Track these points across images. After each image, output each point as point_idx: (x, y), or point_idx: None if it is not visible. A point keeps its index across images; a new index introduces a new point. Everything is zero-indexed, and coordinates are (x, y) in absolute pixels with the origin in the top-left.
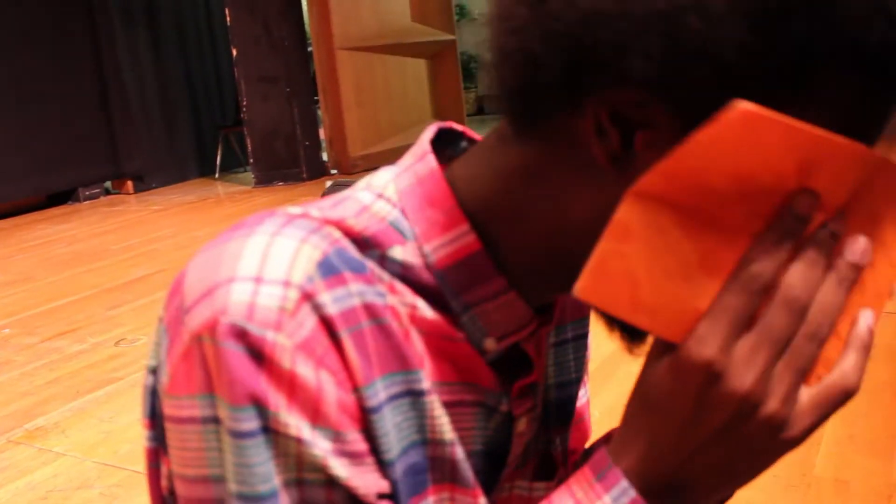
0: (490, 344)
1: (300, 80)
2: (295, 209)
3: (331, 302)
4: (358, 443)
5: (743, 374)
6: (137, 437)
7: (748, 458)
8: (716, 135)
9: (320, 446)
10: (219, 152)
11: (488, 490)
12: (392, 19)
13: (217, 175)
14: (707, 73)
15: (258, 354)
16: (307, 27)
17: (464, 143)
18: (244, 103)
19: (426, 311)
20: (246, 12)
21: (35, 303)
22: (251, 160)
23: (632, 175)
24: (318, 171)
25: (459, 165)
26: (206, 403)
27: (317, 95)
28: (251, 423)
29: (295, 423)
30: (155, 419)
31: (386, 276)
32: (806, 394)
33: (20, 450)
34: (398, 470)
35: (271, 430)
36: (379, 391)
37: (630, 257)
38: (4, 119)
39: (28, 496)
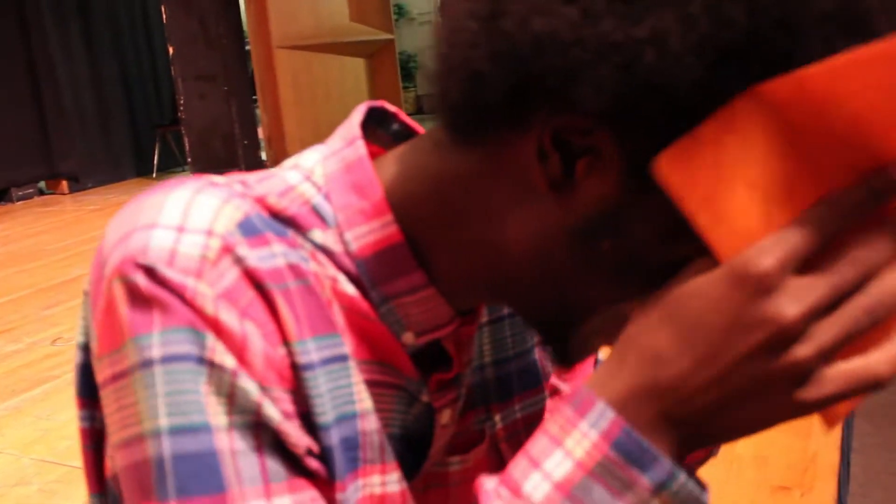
0: (408, 338)
1: (238, 78)
2: (219, 179)
3: (255, 258)
4: (285, 402)
5: (792, 301)
6: (76, 433)
7: (757, 402)
8: (871, 59)
9: (251, 388)
10: (156, 152)
11: (409, 478)
12: (330, 18)
13: (155, 175)
14: (658, 107)
15: (180, 297)
16: (245, 25)
17: (395, 126)
18: (181, 102)
19: (346, 286)
20: (182, 9)
21: None
22: (189, 159)
23: (569, 201)
24: (257, 170)
25: (391, 160)
26: (135, 346)
27: (255, 94)
28: (185, 346)
29: (229, 360)
30: (89, 397)
31: (308, 245)
32: (838, 364)
33: None
34: (334, 437)
35: (206, 361)
36: (311, 350)
37: (725, 150)
38: None
39: None
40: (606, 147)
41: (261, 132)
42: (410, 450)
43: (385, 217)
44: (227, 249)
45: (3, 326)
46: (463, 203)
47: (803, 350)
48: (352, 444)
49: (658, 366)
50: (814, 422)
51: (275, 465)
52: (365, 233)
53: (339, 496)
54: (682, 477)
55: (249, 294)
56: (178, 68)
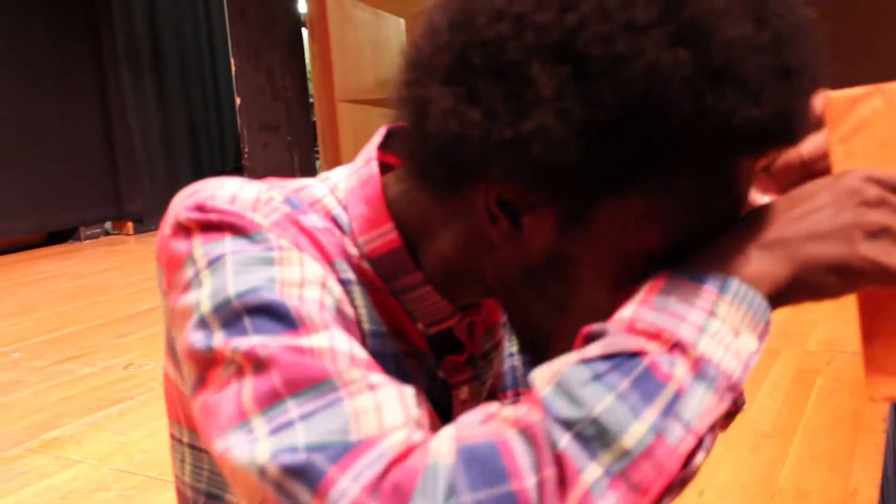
0: (420, 328)
1: (301, 129)
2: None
3: (302, 217)
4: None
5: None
6: (151, 447)
7: (834, 242)
8: None
9: (313, 274)
10: None
11: None
12: (391, 74)
13: None
14: (555, 183)
15: (241, 219)
16: (309, 79)
17: None
18: (245, 150)
19: (369, 267)
20: (251, 62)
21: (42, 331)
22: None
23: (521, 249)
24: None
25: (397, 177)
26: (205, 253)
27: (317, 145)
28: (253, 246)
29: (288, 254)
30: (174, 354)
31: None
32: None
33: (38, 457)
34: (368, 345)
35: (274, 249)
36: (347, 269)
37: None
38: (9, 157)
39: (48, 496)
40: (543, 201)
41: None
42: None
43: (387, 225)
44: (273, 202)
45: (77, 352)
46: (443, 228)
47: (876, 215)
48: (380, 359)
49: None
50: (855, 458)
51: (337, 319)
52: (374, 237)
53: None
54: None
55: (293, 230)
56: (244, 118)
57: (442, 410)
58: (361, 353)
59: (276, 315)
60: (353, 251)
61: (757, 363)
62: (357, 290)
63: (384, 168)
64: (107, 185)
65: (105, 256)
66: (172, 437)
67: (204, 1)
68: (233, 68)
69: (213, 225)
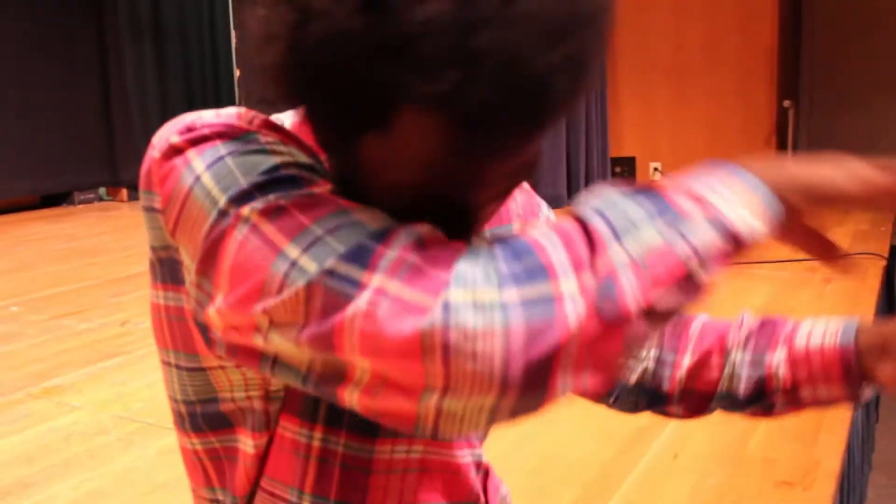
0: None
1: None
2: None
3: (276, 123)
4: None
5: None
6: (149, 397)
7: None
8: None
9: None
10: None
11: None
12: None
13: None
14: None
15: (229, 126)
16: None
17: None
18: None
19: None
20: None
21: (38, 287)
22: None
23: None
24: None
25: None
26: (202, 158)
27: None
28: (247, 142)
29: (279, 144)
30: (172, 282)
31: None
32: None
33: (40, 403)
34: None
35: (265, 143)
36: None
37: None
38: (7, 120)
39: (50, 437)
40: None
41: None
42: None
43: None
44: (253, 113)
45: (74, 309)
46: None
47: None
48: None
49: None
50: (820, 432)
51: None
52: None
53: None
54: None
55: (277, 131)
56: (242, 91)
57: None
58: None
59: (283, 182)
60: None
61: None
62: None
63: None
64: (103, 151)
65: (99, 221)
66: (164, 363)
67: None
68: (233, 41)
69: (204, 137)
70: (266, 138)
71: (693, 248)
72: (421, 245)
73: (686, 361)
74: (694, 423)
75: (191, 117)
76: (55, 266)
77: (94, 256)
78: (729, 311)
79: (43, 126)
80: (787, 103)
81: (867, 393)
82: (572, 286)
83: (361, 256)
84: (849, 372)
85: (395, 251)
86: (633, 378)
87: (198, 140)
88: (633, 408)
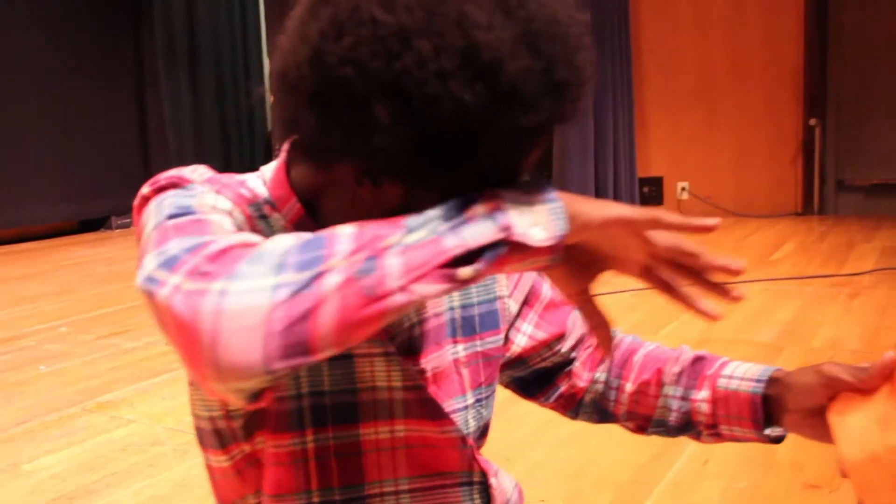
0: None
1: None
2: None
3: (223, 179)
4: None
5: None
6: None
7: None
8: None
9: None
10: None
11: None
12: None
13: None
14: (402, 173)
15: (181, 179)
16: None
17: None
18: (277, 148)
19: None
20: None
21: (84, 309)
22: None
23: (382, 199)
24: None
25: (294, 161)
26: (155, 202)
27: None
28: (187, 190)
29: (211, 197)
30: None
31: (269, 231)
32: None
33: (95, 416)
34: None
35: (199, 193)
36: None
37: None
38: (47, 146)
39: (108, 448)
40: (397, 183)
41: None
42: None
43: (293, 199)
44: (206, 171)
45: (120, 329)
46: (326, 193)
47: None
48: None
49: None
50: None
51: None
52: (287, 210)
53: None
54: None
55: (218, 185)
56: (275, 116)
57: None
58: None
59: (186, 212)
60: (282, 221)
61: (760, 357)
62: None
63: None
64: (139, 176)
65: (136, 245)
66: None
67: (240, 3)
68: (266, 68)
69: (162, 187)
70: (202, 188)
71: (462, 242)
72: (226, 251)
73: (629, 387)
74: None
75: (164, 174)
76: (98, 288)
77: (133, 280)
78: (758, 326)
79: (81, 152)
80: (812, 122)
81: (779, 433)
82: (339, 264)
83: (169, 264)
84: (756, 417)
85: (197, 259)
86: (588, 398)
87: (157, 189)
88: (592, 421)
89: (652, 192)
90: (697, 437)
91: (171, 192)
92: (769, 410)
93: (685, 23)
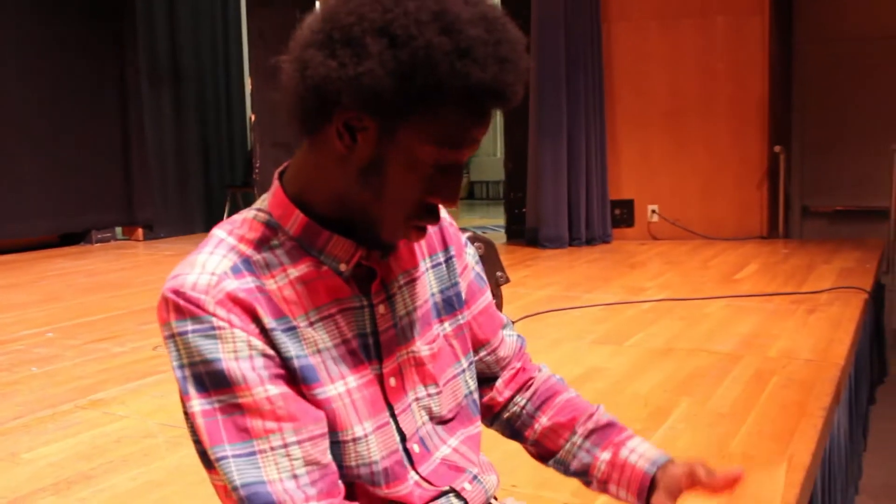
0: (343, 267)
1: None
2: (221, 233)
3: (237, 287)
4: (263, 346)
5: None
6: None
7: None
8: None
9: (241, 335)
10: (226, 209)
11: (385, 356)
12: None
13: None
14: (376, 107)
15: (197, 306)
16: None
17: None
18: (257, 165)
19: (302, 269)
20: (268, 83)
21: (70, 316)
22: None
23: (357, 155)
24: None
25: (287, 171)
26: (169, 328)
27: None
28: (203, 324)
29: (222, 323)
30: None
31: (275, 260)
32: None
33: (88, 412)
34: (295, 365)
35: (216, 328)
36: (272, 324)
37: None
38: (29, 159)
39: (103, 440)
40: (369, 123)
41: None
42: (375, 340)
43: (294, 213)
44: (220, 282)
45: (107, 335)
46: (315, 176)
47: None
48: (308, 370)
49: None
50: (795, 434)
51: (262, 367)
52: (291, 223)
53: (313, 392)
54: None
55: (230, 305)
56: (258, 135)
57: (374, 330)
58: (278, 400)
59: (219, 376)
60: (283, 239)
61: (719, 364)
62: (289, 289)
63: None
64: (120, 192)
65: (116, 259)
66: (184, 413)
67: (222, 25)
68: (248, 87)
69: (180, 309)
70: (219, 321)
71: None
72: None
73: (544, 421)
74: (682, 427)
75: (180, 279)
76: (82, 298)
77: (117, 290)
78: (719, 337)
79: (64, 168)
80: (777, 149)
81: None
82: None
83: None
84: (641, 490)
85: None
86: (505, 415)
87: (176, 308)
88: (503, 434)
89: (623, 214)
90: (587, 484)
91: (190, 326)
92: (649, 491)
93: (656, 51)
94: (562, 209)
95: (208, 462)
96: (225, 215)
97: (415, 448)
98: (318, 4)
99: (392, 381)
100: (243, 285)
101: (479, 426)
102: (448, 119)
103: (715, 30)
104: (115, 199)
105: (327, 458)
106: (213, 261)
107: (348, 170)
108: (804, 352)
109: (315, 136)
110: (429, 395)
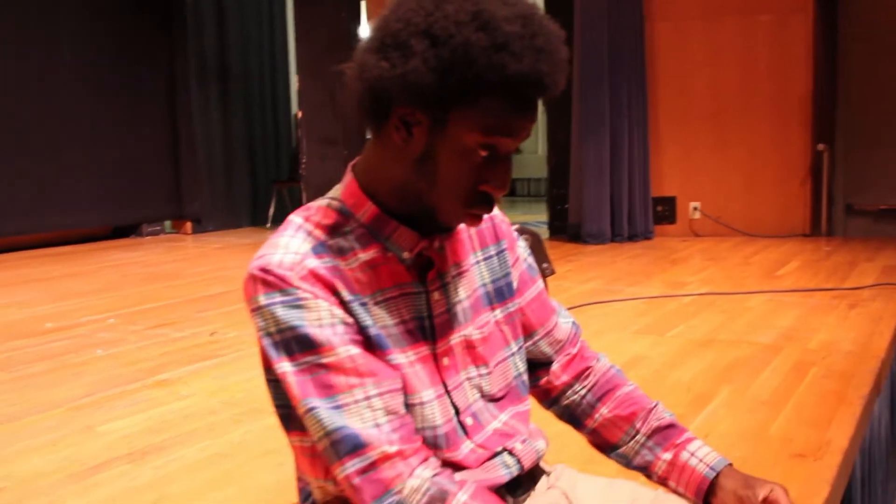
0: (406, 255)
1: (357, 144)
2: (298, 219)
3: (318, 265)
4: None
5: None
6: (249, 388)
7: None
8: None
9: (324, 305)
10: (272, 204)
11: (439, 337)
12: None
13: (269, 225)
14: (424, 102)
15: (283, 280)
16: None
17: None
18: (304, 161)
19: (370, 254)
20: (314, 80)
21: (129, 304)
22: None
23: (412, 147)
24: None
25: (357, 165)
26: (254, 301)
27: None
28: (290, 296)
29: (305, 294)
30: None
31: (347, 245)
32: None
33: (154, 391)
34: (371, 333)
35: (301, 299)
36: (349, 297)
37: None
38: (83, 154)
39: (170, 416)
40: (422, 117)
41: None
42: (430, 323)
43: (367, 203)
44: (303, 260)
45: (165, 321)
46: (382, 168)
47: None
48: (379, 338)
49: None
50: (833, 421)
51: (342, 332)
52: (363, 212)
53: (386, 358)
54: None
55: (312, 280)
56: (304, 131)
57: (429, 313)
58: (358, 359)
59: (306, 340)
60: (354, 226)
61: (760, 355)
62: (360, 271)
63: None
64: (170, 186)
65: (167, 251)
66: (266, 380)
67: (269, 23)
68: (296, 85)
69: (268, 283)
70: (303, 293)
71: None
72: (367, 468)
73: (603, 412)
74: (723, 412)
75: (266, 258)
76: (139, 287)
77: (171, 280)
78: (760, 329)
79: (116, 163)
80: (821, 147)
81: None
82: None
83: (338, 452)
84: (699, 492)
85: (351, 467)
86: (564, 401)
87: (264, 282)
88: (561, 419)
89: (665, 211)
90: (648, 477)
91: (277, 298)
92: (708, 493)
93: (698, 50)
94: (604, 205)
95: (290, 423)
96: (271, 210)
97: (468, 421)
98: (363, 4)
99: (445, 361)
100: (323, 264)
101: (527, 404)
102: (492, 109)
103: (757, 28)
104: (165, 193)
105: (404, 409)
106: (294, 243)
107: (406, 161)
108: (844, 344)
109: (379, 133)
110: (479, 375)
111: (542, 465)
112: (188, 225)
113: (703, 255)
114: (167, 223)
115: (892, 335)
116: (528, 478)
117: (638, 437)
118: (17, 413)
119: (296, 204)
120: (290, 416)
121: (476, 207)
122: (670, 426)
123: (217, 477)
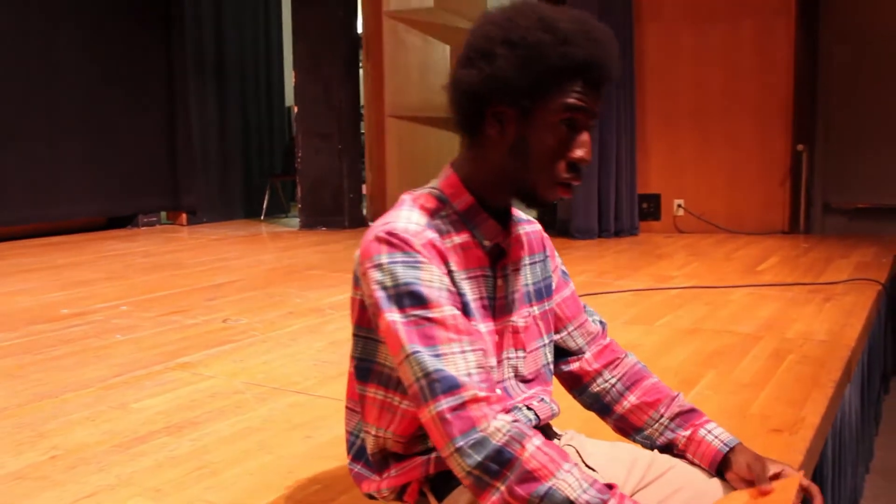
0: (487, 243)
1: (351, 139)
2: (410, 199)
3: (434, 237)
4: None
5: None
6: (268, 370)
7: None
8: None
9: (436, 270)
10: (266, 197)
11: (496, 317)
12: (437, 96)
13: (262, 218)
14: (512, 98)
15: (406, 244)
16: (362, 94)
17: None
18: (299, 155)
19: (462, 238)
20: (310, 75)
21: (138, 292)
22: (300, 205)
23: (506, 137)
24: (358, 221)
25: (455, 162)
26: (375, 259)
27: (364, 155)
28: (411, 257)
29: (423, 259)
30: (356, 283)
31: (444, 227)
32: None
33: (178, 373)
34: (465, 300)
35: (419, 262)
36: (453, 268)
37: None
38: (80, 144)
39: (197, 395)
40: (510, 113)
41: (365, 189)
42: (492, 307)
43: (464, 193)
44: (423, 231)
45: (177, 308)
46: (479, 162)
47: None
48: (469, 308)
49: None
50: (807, 401)
51: (447, 296)
52: (459, 202)
53: (474, 325)
54: None
55: (430, 249)
56: (300, 125)
57: (492, 289)
58: (459, 318)
59: (418, 296)
60: (449, 212)
61: (742, 343)
62: (455, 250)
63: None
64: (166, 178)
65: (164, 242)
66: (354, 335)
67: (265, 18)
68: (292, 79)
69: (392, 244)
70: (421, 257)
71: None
72: (458, 407)
73: (631, 399)
74: (708, 393)
75: (392, 224)
76: (144, 276)
77: (174, 270)
78: (741, 320)
79: (113, 154)
80: (800, 147)
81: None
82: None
83: (434, 390)
84: (713, 464)
85: (445, 404)
86: (594, 388)
87: (389, 243)
88: (591, 408)
89: (650, 207)
90: (670, 453)
91: (399, 258)
92: (721, 465)
93: (684, 51)
94: (592, 202)
95: (369, 376)
96: (265, 203)
97: (497, 392)
98: (359, 2)
99: (496, 338)
100: (436, 238)
101: (550, 387)
102: (566, 91)
103: (742, 31)
104: (160, 184)
105: (490, 367)
106: (414, 216)
107: (502, 150)
108: (819, 334)
109: (475, 133)
110: (517, 357)
111: (555, 429)
112: (183, 216)
113: (687, 250)
114: (163, 214)
115: (862, 326)
116: (544, 435)
117: (662, 419)
118: (52, 391)
119: (288, 198)
120: (370, 370)
121: (568, 175)
122: (691, 410)
123: (252, 447)
